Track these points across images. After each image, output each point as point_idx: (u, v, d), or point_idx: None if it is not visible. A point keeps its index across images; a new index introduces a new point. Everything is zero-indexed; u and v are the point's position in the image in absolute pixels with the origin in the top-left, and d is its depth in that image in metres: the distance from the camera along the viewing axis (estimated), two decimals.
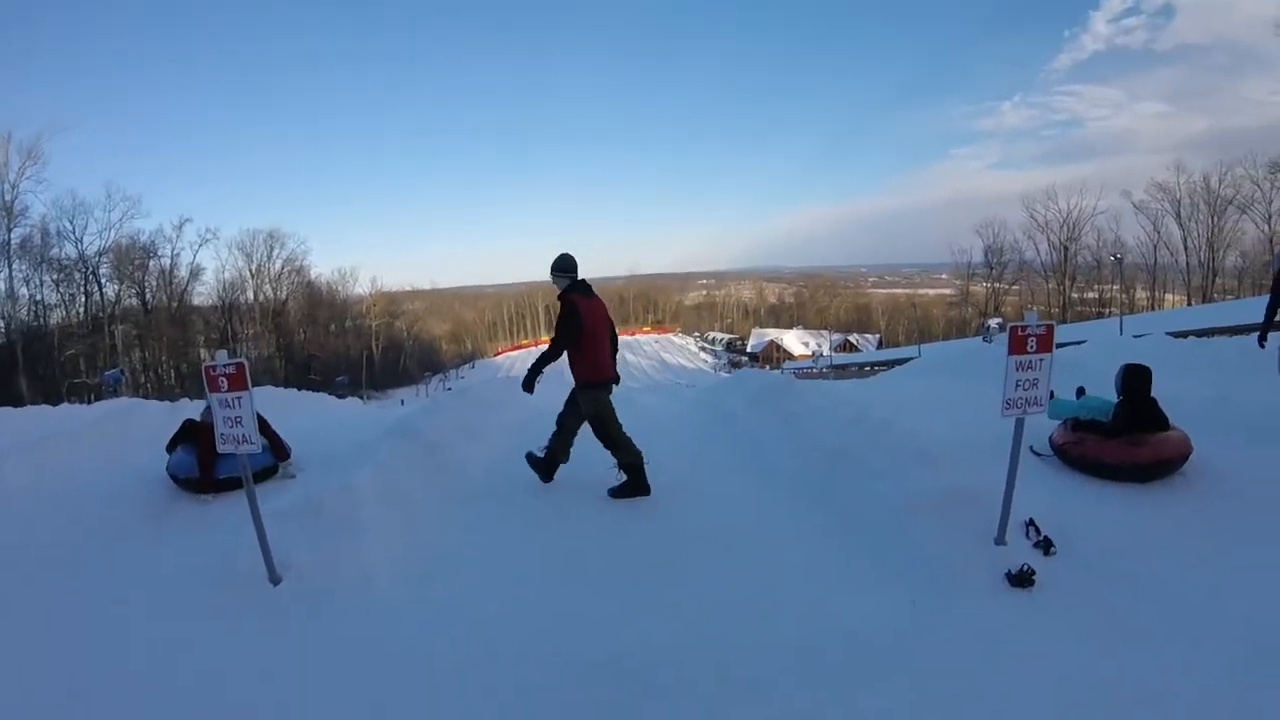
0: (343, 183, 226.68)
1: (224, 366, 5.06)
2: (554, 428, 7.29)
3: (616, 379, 7.24)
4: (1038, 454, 7.12)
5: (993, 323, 59.12)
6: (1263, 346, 7.84)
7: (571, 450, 7.30)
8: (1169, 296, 78.38)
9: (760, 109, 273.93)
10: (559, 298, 7.00)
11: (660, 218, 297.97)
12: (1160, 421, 6.50)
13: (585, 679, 4.15)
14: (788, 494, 6.88)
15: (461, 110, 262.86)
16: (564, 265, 7.14)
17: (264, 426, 7.15)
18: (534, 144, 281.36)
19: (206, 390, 5.12)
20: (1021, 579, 4.77)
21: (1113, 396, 6.86)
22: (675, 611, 4.83)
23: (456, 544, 6.07)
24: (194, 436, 7.48)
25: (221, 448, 5.17)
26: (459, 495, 7.07)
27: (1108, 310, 72.48)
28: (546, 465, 7.32)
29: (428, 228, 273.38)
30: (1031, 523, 5.32)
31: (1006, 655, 4.17)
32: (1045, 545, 5.16)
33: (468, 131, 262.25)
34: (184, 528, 6.63)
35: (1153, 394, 6.63)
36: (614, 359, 7.23)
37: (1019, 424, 5.14)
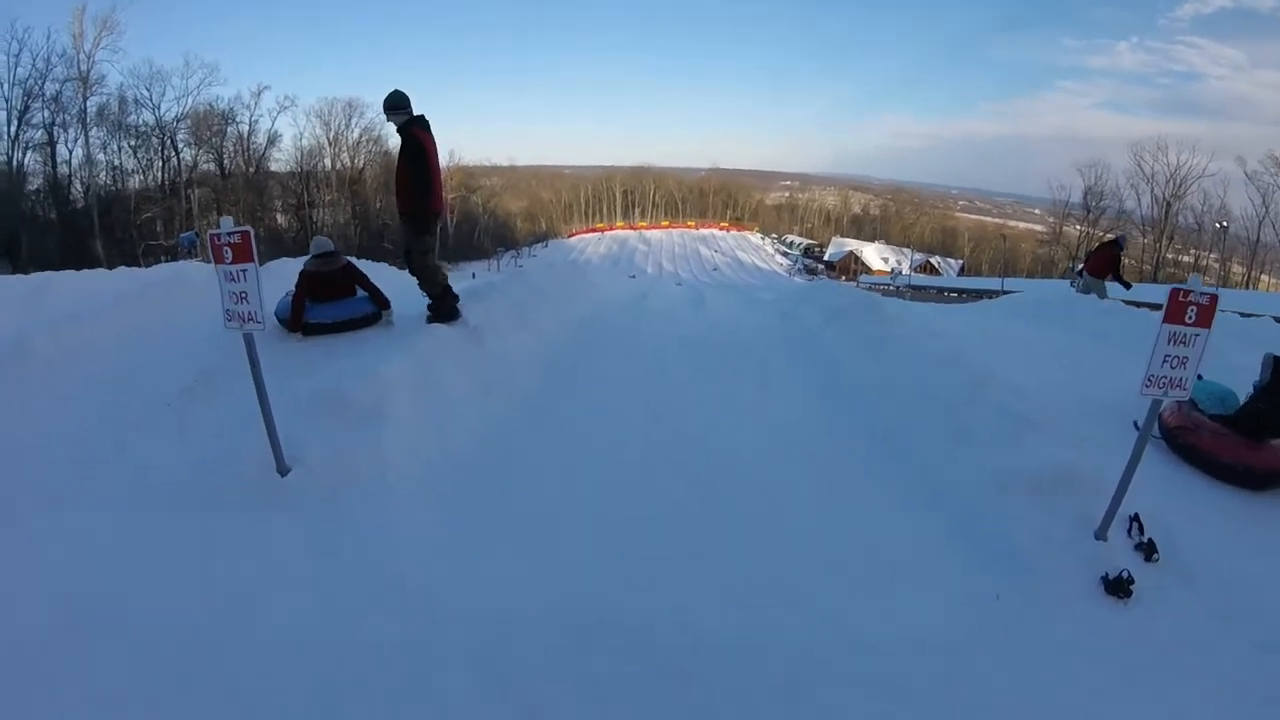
0: (423, 56, 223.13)
1: (228, 235, 4.51)
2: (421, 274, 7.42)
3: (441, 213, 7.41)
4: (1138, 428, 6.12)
5: (1082, 268, 56.71)
6: None
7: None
8: (1265, 278, 73.08)
9: (859, 9, 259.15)
10: (401, 131, 7.04)
11: (746, 113, 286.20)
12: None
13: (589, 654, 3.54)
14: (865, 439, 5.99)
15: None
16: (398, 101, 7.09)
17: (364, 280, 7.97)
18: (618, 24, 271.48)
19: (212, 261, 4.62)
20: (1119, 587, 4.04)
21: (1230, 383, 6.00)
22: (713, 582, 4.13)
23: (483, 450, 5.53)
24: (301, 282, 7.80)
25: (227, 325, 4.66)
26: (498, 391, 6.50)
27: (1202, 279, 68.13)
28: (443, 307, 7.44)
29: (508, 105, 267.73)
30: (1136, 519, 4.50)
31: (1092, 678, 3.54)
32: (1148, 549, 4.34)
33: (552, 8, 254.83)
34: (206, 406, 6.11)
35: None
36: None
37: (1154, 406, 4.26)
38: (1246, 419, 5.67)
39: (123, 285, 11.50)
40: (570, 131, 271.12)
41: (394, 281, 8.92)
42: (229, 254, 4.53)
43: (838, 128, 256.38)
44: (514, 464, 5.33)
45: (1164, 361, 4.10)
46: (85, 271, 14.37)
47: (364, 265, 11.54)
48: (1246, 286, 68.45)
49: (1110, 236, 14.08)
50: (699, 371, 7.37)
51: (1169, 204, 78.37)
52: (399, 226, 7.42)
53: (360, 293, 8.05)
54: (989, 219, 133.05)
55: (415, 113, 7.14)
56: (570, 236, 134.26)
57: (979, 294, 57.33)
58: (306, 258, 8.12)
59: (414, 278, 7.51)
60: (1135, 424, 5.89)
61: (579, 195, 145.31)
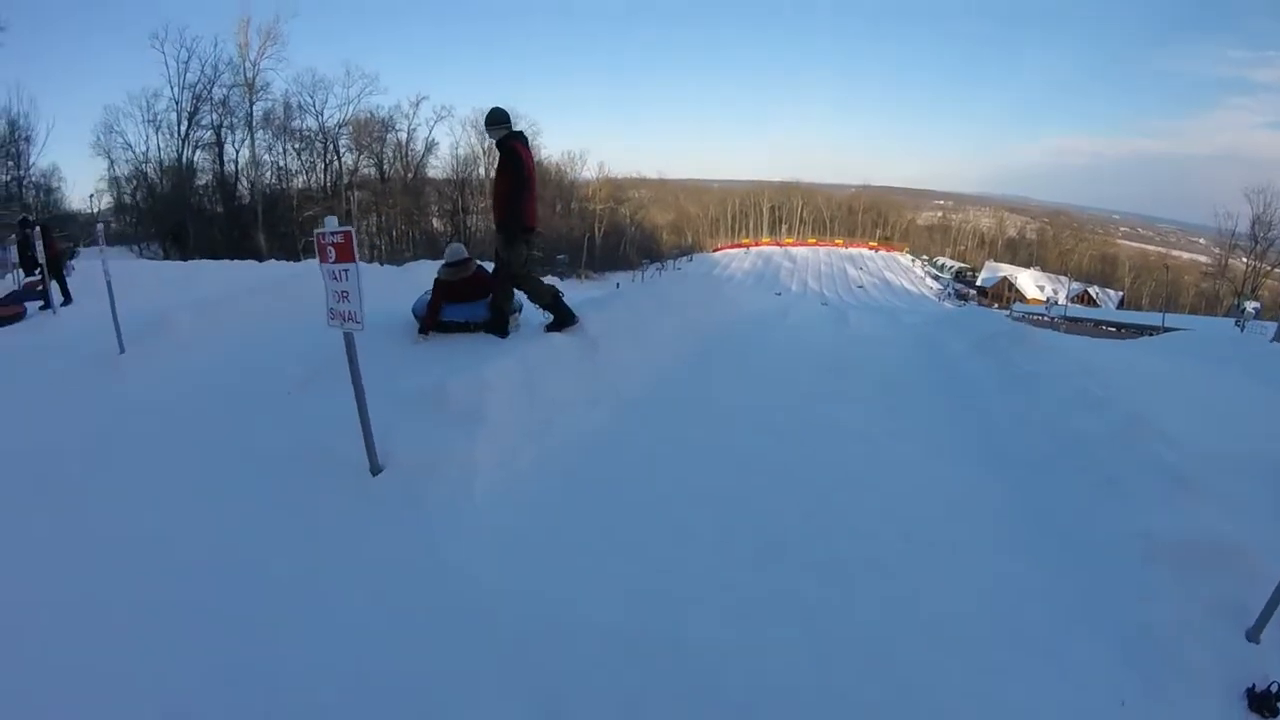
0: (578, 71, 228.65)
1: (331, 235, 4.50)
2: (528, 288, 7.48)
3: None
4: None
5: (1249, 305, 52.69)
6: None
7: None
8: None
9: (1017, 21, 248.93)
10: (500, 145, 7.12)
11: (900, 129, 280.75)
12: None
13: (639, 674, 3.30)
14: (995, 483, 5.25)
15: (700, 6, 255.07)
16: (498, 118, 7.19)
17: (494, 284, 7.83)
18: (767, 40, 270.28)
19: (318, 259, 4.64)
20: (1265, 704, 3.25)
21: None
22: (795, 645, 3.60)
23: (579, 460, 5.28)
24: (437, 290, 7.98)
25: (330, 323, 4.70)
26: (606, 403, 6.26)
27: None
28: (560, 312, 7.40)
29: (659, 119, 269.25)
30: None
31: None
32: None
33: (706, 25, 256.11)
34: (322, 398, 6.14)
35: None
36: None
37: None
38: None
39: (266, 275, 12.21)
40: (720, 146, 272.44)
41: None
42: (332, 253, 4.51)
43: (994, 145, 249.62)
44: (607, 477, 5.06)
45: None
46: (236, 262, 15.42)
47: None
48: None
49: None
50: (826, 395, 6.88)
51: None
52: (495, 238, 7.38)
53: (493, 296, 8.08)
54: (1151, 247, 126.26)
55: (516, 129, 7.25)
56: (715, 251, 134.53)
57: (1138, 329, 54.53)
58: (441, 263, 8.28)
59: (518, 289, 7.57)
60: None
61: (726, 210, 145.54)
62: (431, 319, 7.91)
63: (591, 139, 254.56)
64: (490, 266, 7.96)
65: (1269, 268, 75.00)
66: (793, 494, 4.88)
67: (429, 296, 8.10)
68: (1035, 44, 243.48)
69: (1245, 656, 3.47)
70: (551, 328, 7.30)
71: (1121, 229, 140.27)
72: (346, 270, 4.47)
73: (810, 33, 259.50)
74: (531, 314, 8.08)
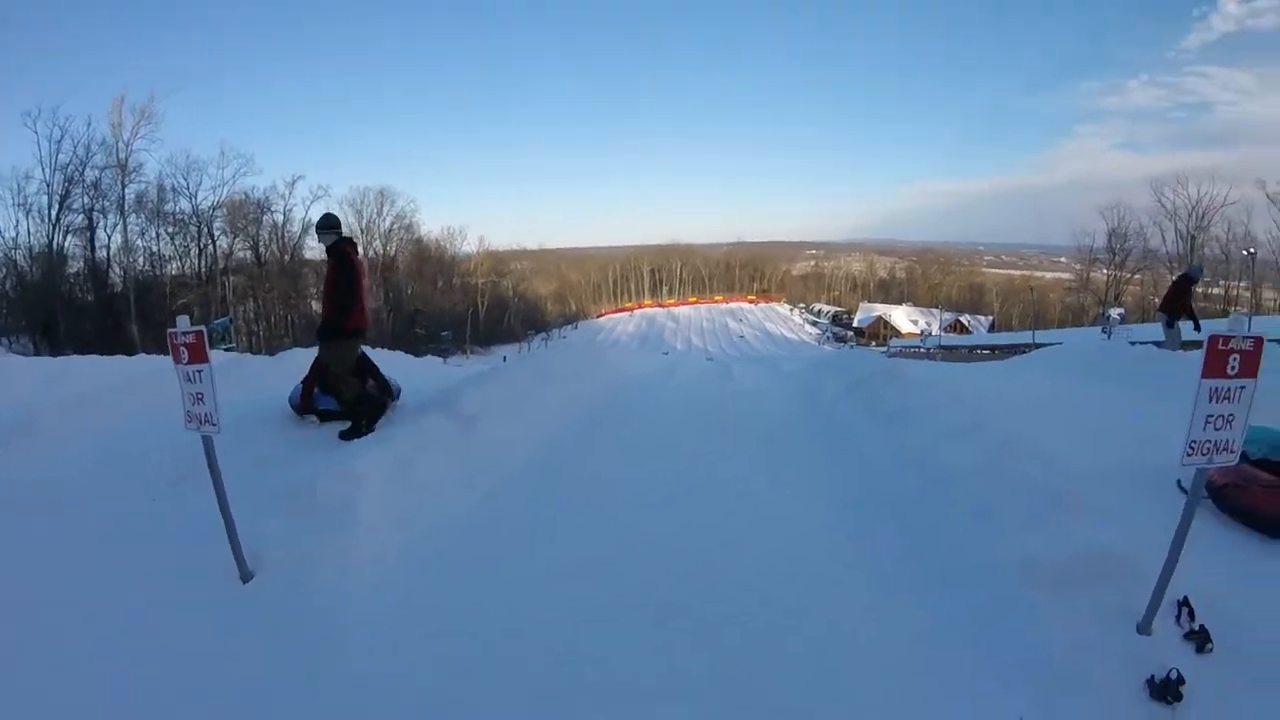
0: (454, 145, 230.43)
1: (183, 335, 4.34)
2: (335, 389, 7.37)
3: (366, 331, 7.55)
4: (1185, 490, 5.50)
5: (1114, 313, 56.00)
6: None
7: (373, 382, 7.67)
8: None
9: (876, 77, 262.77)
10: (330, 250, 7.20)
11: (769, 185, 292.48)
12: None
13: None
14: (873, 523, 5.33)
15: (567, 77, 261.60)
16: (330, 222, 7.38)
17: (373, 370, 8.01)
18: (641, 107, 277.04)
19: (172, 359, 4.44)
20: (1166, 690, 3.36)
21: None
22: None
23: (458, 548, 5.11)
24: (313, 370, 7.84)
25: (186, 426, 4.48)
26: (482, 483, 6.11)
27: (1234, 308, 66.78)
28: (356, 423, 7.29)
29: (537, 190, 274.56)
30: (1185, 604, 3.84)
31: None
32: (1200, 639, 3.68)
33: (576, 96, 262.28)
34: (190, 502, 5.70)
35: None
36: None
37: (1198, 476, 3.63)
38: None
39: (138, 370, 11.79)
40: (598, 213, 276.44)
41: (414, 370, 8.90)
42: (185, 354, 4.35)
43: (859, 194, 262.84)
44: (483, 559, 4.93)
45: (1206, 423, 3.48)
46: (107, 357, 14.88)
47: (379, 355, 11.49)
48: None
49: (1181, 271, 13.07)
50: (707, 455, 6.90)
51: (1193, 237, 77.53)
52: (320, 338, 7.39)
53: (370, 382, 8.02)
54: (1016, 271, 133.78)
55: (345, 234, 7.39)
56: (600, 317, 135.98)
57: (1011, 349, 56.95)
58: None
59: (329, 385, 7.48)
60: (1180, 485, 5.35)
61: (607, 276, 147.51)
62: (307, 398, 7.78)
63: (470, 213, 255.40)
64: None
65: (1129, 275, 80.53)
66: (672, 560, 4.83)
67: (302, 384, 7.95)
68: (892, 94, 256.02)
69: (1141, 652, 3.57)
70: (345, 435, 7.17)
71: (986, 258, 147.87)
72: (200, 371, 4.31)
73: (678, 95, 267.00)
74: (409, 397, 8.01)
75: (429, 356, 22.92)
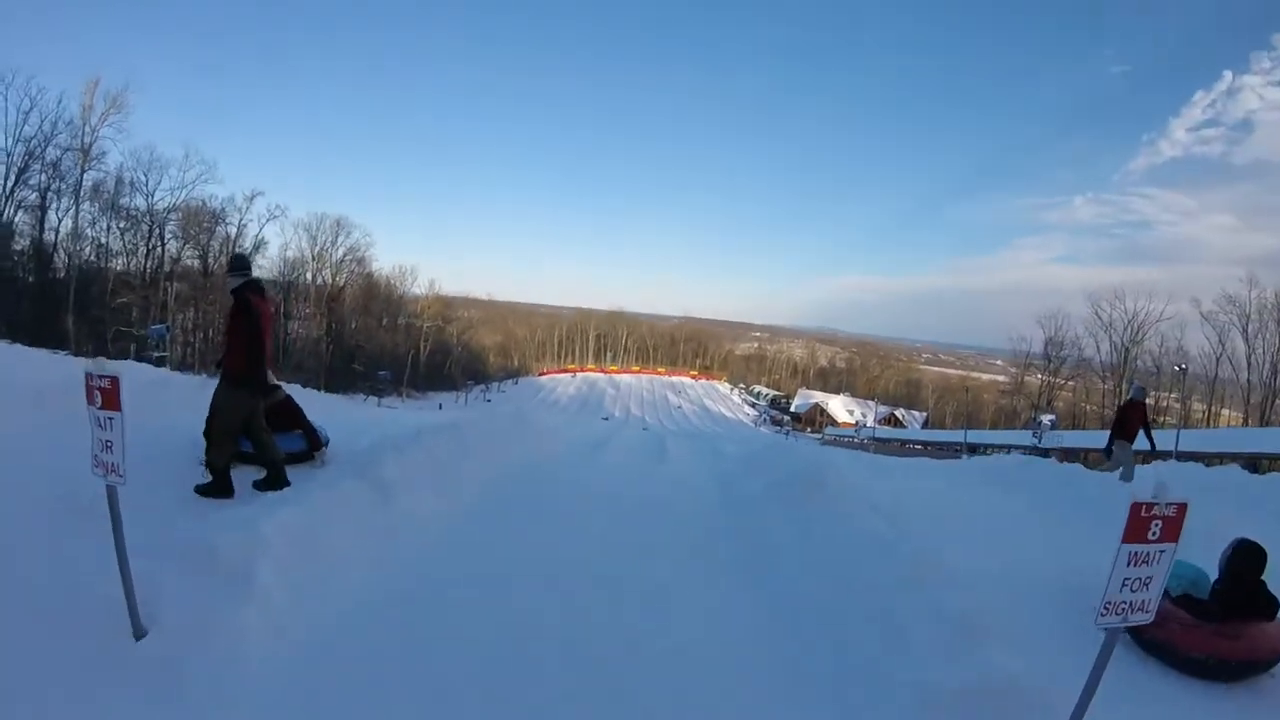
0: (414, 185, 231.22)
1: (99, 378, 4.20)
2: (210, 440, 7.10)
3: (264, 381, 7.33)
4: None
5: (1045, 418, 57.77)
6: None
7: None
8: (1225, 412, 75.01)
9: (827, 172, 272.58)
10: (235, 293, 7.08)
11: (718, 264, 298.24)
12: (1270, 607, 5.15)
13: None
14: (783, 637, 5.25)
15: (537, 133, 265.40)
16: (239, 264, 7.33)
17: (299, 417, 8.12)
18: (602, 173, 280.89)
19: (85, 401, 4.28)
20: None
21: (1200, 552, 5.46)
22: None
23: (357, 632, 4.91)
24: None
25: (94, 471, 4.34)
26: (393, 562, 5.94)
27: (1162, 419, 69.18)
28: (219, 482, 6.99)
29: (492, 241, 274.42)
30: None
31: None
32: None
33: (542, 154, 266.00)
34: (90, 540, 5.36)
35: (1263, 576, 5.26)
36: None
37: (1110, 636, 3.60)
38: (1213, 605, 5.24)
39: (64, 376, 11.32)
40: (549, 271, 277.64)
41: (347, 412, 8.68)
42: (98, 398, 4.21)
43: (806, 282, 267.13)
44: (377, 652, 4.72)
45: (1124, 585, 3.46)
46: (36, 351, 14.43)
47: (311, 396, 11.27)
48: (1207, 424, 70.17)
49: (1130, 395, 13.23)
50: (623, 550, 6.83)
51: (1128, 349, 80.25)
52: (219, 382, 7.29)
53: (297, 430, 8.02)
54: (952, 370, 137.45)
55: (253, 276, 7.30)
56: (541, 375, 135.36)
57: (941, 446, 58.14)
58: None
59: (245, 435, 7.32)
60: (1099, 616, 5.38)
61: (553, 334, 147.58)
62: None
63: (424, 255, 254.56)
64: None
65: (1062, 382, 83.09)
66: (569, 663, 4.72)
67: None
68: (838, 195, 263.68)
69: None
70: (202, 490, 6.94)
71: (924, 355, 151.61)
72: (112, 419, 4.17)
73: (639, 165, 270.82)
74: (338, 447, 7.97)
75: (364, 396, 22.67)
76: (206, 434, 7.11)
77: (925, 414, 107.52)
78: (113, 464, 4.23)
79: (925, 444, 63.69)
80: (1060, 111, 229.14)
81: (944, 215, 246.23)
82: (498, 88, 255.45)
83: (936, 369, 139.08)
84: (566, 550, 6.60)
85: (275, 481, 7.13)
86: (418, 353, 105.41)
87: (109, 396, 4.16)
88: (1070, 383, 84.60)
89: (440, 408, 68.41)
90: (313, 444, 8.16)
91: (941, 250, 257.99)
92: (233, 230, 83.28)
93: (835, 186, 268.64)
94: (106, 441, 4.22)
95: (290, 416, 8.09)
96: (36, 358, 13.12)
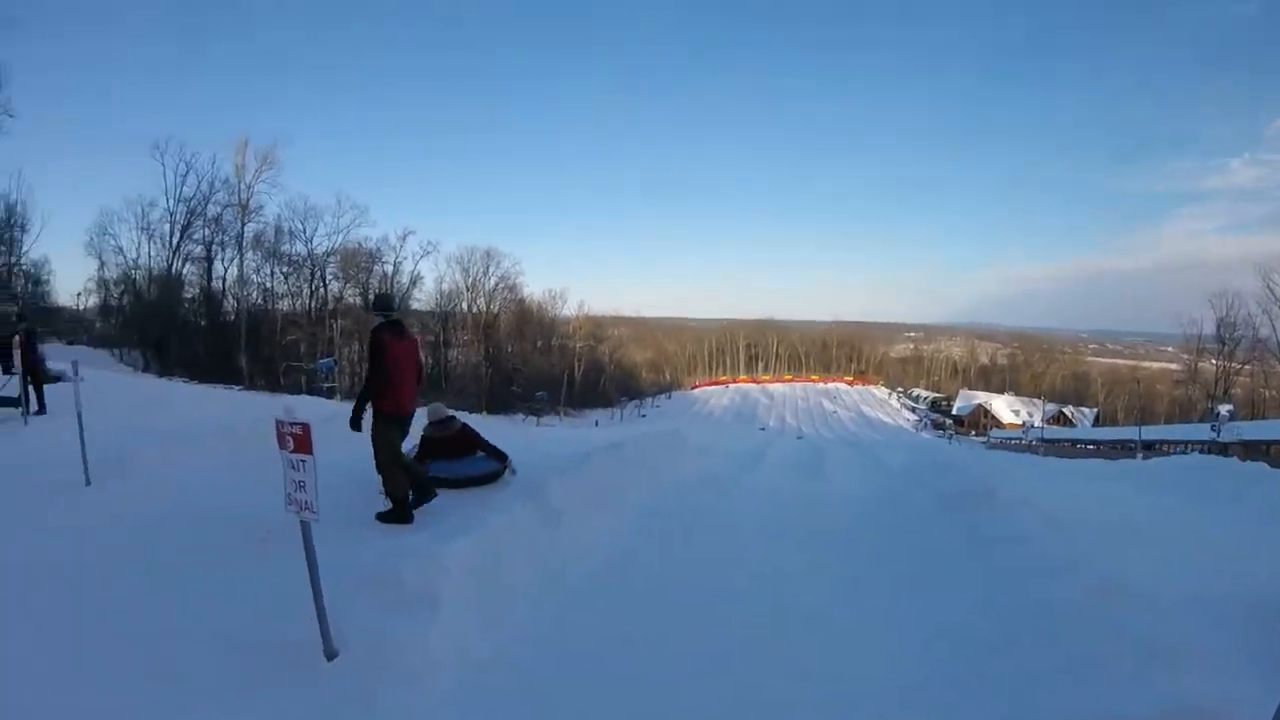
0: (561, 210, 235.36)
1: (290, 425, 4.52)
2: (382, 474, 7.48)
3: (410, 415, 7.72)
4: None
5: (1223, 409, 53.52)
6: None
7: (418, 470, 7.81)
8: None
9: (972, 154, 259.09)
10: (372, 333, 7.42)
11: (866, 265, 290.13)
12: None
13: None
14: (957, 665, 4.93)
15: (676, 149, 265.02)
16: (380, 304, 7.79)
17: (480, 440, 8.83)
18: (741, 182, 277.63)
19: (277, 445, 4.61)
20: None
21: None
22: None
23: (534, 659, 5.04)
24: (423, 446, 8.75)
25: (287, 509, 4.64)
26: (560, 588, 6.11)
27: None
28: (398, 511, 7.38)
29: (637, 258, 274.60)
30: None
31: None
32: None
33: (679, 168, 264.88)
34: (279, 562, 5.86)
35: None
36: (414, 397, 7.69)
37: None
38: None
39: (239, 410, 12.38)
40: (696, 284, 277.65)
41: (509, 435, 9.13)
42: (290, 443, 4.53)
43: (959, 276, 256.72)
44: (556, 676, 4.83)
45: None
46: (212, 388, 15.79)
47: (473, 420, 11.79)
48: None
49: None
50: (784, 573, 6.72)
51: None
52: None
53: (479, 453, 8.67)
54: (1121, 361, 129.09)
55: (393, 315, 7.62)
56: (694, 388, 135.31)
57: (1115, 445, 54.79)
58: (426, 422, 8.87)
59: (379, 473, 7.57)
60: None
61: (703, 348, 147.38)
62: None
63: (572, 277, 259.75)
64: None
65: (1239, 366, 76.10)
66: (735, 690, 4.66)
67: (414, 450, 8.53)
68: (986, 178, 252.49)
69: None
70: (382, 517, 7.38)
71: (1090, 346, 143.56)
72: (304, 462, 4.49)
73: (782, 173, 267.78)
74: (527, 469, 8.55)
75: (523, 416, 23.56)
76: (378, 468, 7.48)
77: (1095, 410, 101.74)
78: (306, 501, 4.53)
79: (1097, 443, 60.07)
80: (1205, 59, 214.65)
81: (1098, 189, 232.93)
82: (634, 108, 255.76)
83: (1104, 360, 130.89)
84: (728, 575, 6.58)
85: (394, 517, 7.38)
86: (572, 372, 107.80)
87: (301, 441, 4.47)
88: (1246, 366, 77.03)
89: (596, 424, 69.80)
90: (499, 458, 8.70)
91: (1098, 230, 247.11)
92: (389, 267, 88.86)
93: (980, 173, 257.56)
94: (299, 482, 4.52)
95: (470, 442, 8.71)
96: (218, 395, 14.40)
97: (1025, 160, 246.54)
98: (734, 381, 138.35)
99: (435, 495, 7.68)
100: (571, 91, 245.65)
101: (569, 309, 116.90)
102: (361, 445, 7.56)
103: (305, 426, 4.47)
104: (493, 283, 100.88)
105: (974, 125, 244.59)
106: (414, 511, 7.41)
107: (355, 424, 7.45)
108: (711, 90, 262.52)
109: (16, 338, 13.24)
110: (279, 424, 4.55)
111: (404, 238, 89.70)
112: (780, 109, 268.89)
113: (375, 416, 7.41)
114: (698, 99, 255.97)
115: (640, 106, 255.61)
